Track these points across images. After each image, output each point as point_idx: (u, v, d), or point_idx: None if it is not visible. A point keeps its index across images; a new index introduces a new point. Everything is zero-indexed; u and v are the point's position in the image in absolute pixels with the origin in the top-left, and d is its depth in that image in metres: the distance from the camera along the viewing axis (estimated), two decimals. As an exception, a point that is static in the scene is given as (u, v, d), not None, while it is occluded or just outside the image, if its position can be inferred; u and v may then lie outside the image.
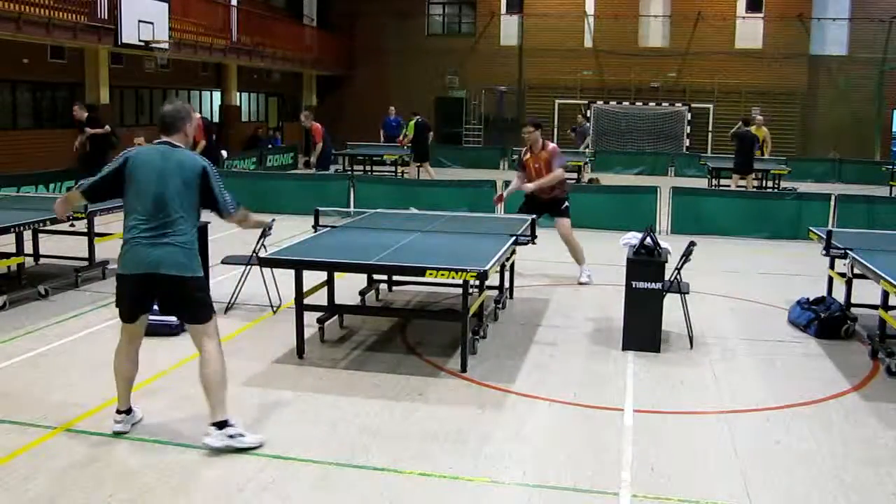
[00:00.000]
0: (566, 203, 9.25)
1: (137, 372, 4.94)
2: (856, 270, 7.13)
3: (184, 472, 4.35)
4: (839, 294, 7.71)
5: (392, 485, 4.24)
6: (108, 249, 9.44)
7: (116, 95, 19.93)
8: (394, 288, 8.43)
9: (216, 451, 4.56)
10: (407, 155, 19.43)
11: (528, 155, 9.17)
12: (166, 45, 17.62)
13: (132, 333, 4.80)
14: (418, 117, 19.16)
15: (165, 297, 4.64)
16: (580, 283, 9.09)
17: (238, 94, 25.26)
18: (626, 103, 28.33)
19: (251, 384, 5.71)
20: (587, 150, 22.79)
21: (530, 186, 8.99)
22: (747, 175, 16.18)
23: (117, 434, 4.76)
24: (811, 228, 8.28)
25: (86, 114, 13.43)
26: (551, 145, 9.23)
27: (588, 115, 26.87)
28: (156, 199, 4.45)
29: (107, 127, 13.47)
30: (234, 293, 7.67)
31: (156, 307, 6.68)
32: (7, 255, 8.14)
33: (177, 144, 4.59)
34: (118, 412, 4.85)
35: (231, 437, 4.55)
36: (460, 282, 5.82)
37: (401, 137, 20.39)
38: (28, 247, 8.68)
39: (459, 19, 30.76)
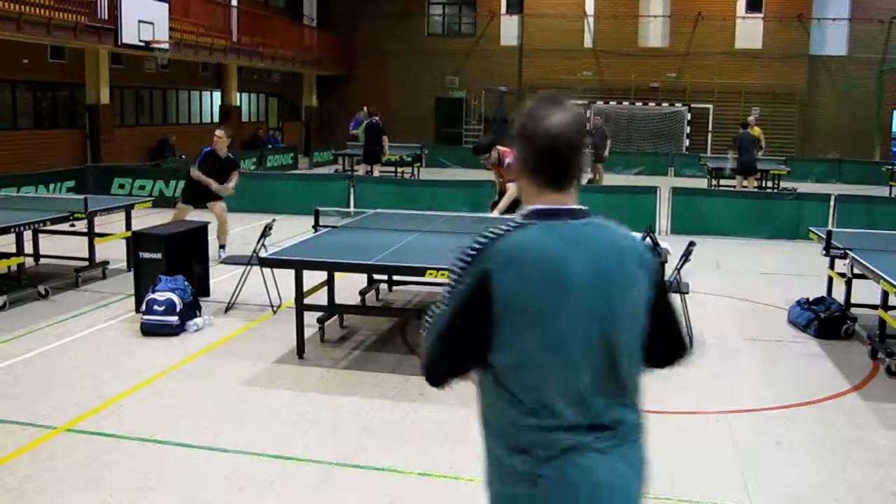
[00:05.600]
0: None
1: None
2: (856, 270, 7.13)
3: (184, 472, 4.35)
4: (839, 294, 7.71)
5: (392, 485, 4.24)
6: (108, 249, 9.46)
7: (116, 95, 19.92)
8: (394, 288, 8.43)
9: (216, 451, 4.56)
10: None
11: (493, 169, 8.63)
12: (166, 46, 17.61)
13: None
14: (372, 118, 17.84)
15: None
16: None
17: (238, 94, 25.26)
18: (626, 103, 28.30)
19: (251, 384, 5.71)
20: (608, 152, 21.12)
21: (494, 215, 8.16)
22: (750, 176, 16.19)
23: None
24: (811, 228, 8.28)
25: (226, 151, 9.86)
26: (507, 160, 8.27)
27: (588, 115, 26.87)
28: (602, 354, 1.99)
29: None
30: (234, 293, 7.67)
31: (156, 305, 6.75)
32: (7, 255, 8.13)
33: (585, 209, 2.06)
34: None
35: None
36: (460, 282, 5.81)
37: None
38: (28, 247, 8.68)
39: (459, 19, 30.74)
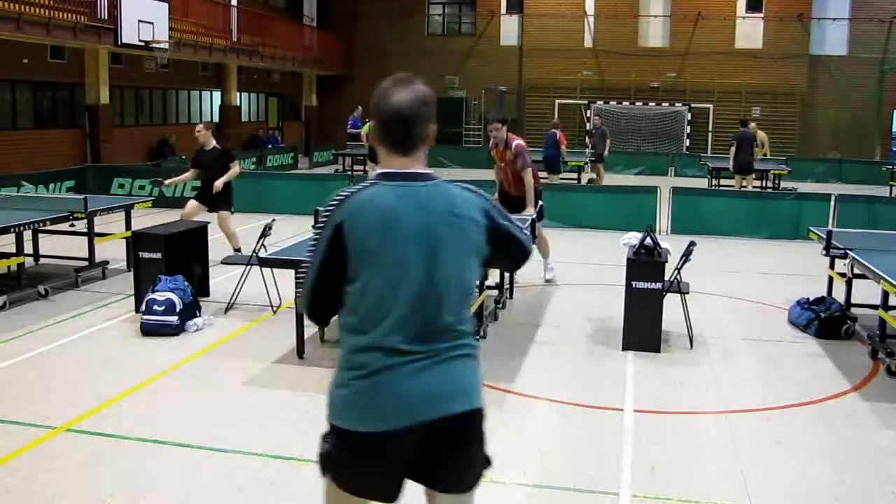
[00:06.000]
0: (540, 203, 8.47)
1: None
2: (856, 270, 7.13)
3: (184, 472, 4.35)
4: (839, 294, 7.71)
5: (392, 485, 4.23)
6: (108, 249, 9.46)
7: (116, 95, 19.93)
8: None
9: (216, 451, 4.56)
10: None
11: (495, 150, 8.39)
12: (166, 45, 17.62)
13: None
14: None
15: (442, 452, 2.40)
16: (546, 281, 8.90)
17: (238, 93, 25.26)
18: (626, 103, 28.31)
19: (251, 384, 5.71)
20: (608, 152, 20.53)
21: (530, 212, 8.08)
22: (748, 175, 16.19)
23: None
24: (811, 228, 8.28)
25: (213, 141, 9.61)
26: (516, 142, 8.28)
27: (588, 115, 26.88)
28: (422, 290, 2.34)
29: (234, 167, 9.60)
30: (234, 293, 7.67)
31: (156, 305, 6.74)
32: (7, 255, 8.13)
33: (428, 173, 2.44)
34: None
35: None
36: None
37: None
38: (28, 247, 8.68)
39: (459, 19, 30.76)
